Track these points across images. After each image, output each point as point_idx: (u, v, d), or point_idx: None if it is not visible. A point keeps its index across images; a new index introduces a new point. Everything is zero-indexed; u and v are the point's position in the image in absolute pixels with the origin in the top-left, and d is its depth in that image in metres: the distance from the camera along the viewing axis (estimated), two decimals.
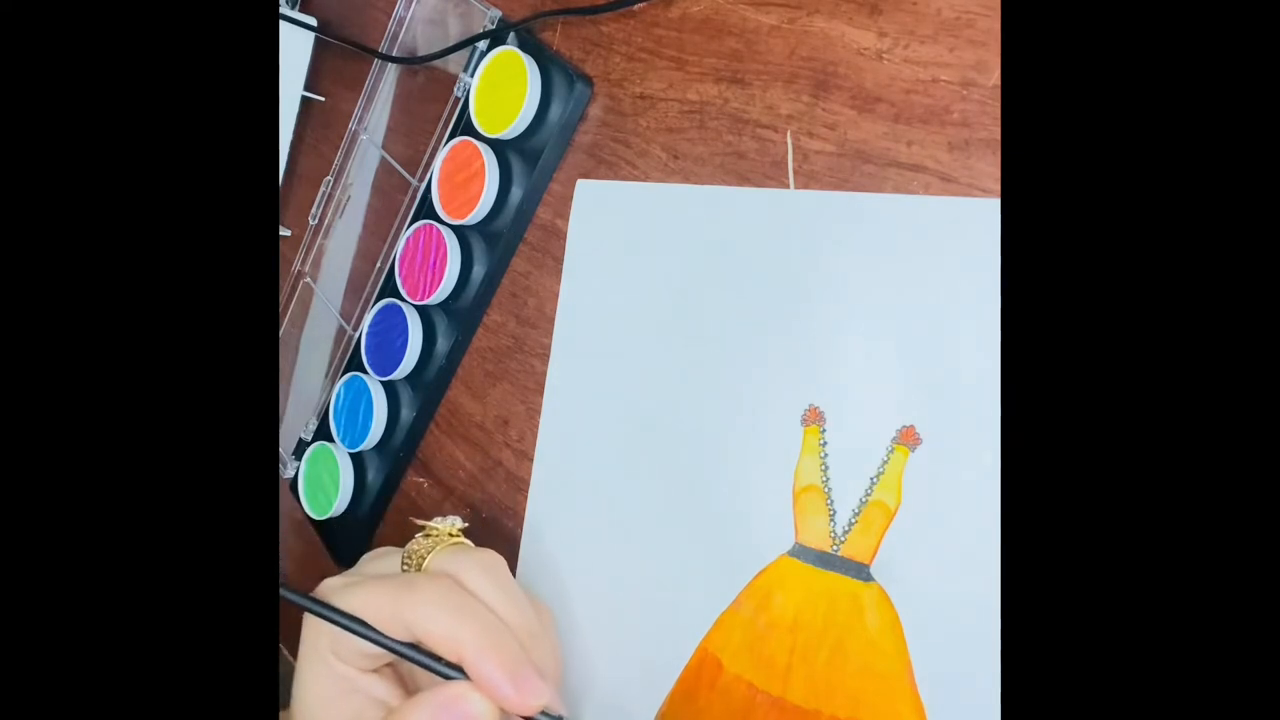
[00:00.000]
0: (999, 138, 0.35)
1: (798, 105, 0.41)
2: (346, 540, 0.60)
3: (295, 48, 0.66)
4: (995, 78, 0.36)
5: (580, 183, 0.49)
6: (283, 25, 0.64)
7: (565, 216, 0.50)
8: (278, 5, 0.66)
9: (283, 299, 0.67)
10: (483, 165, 0.52)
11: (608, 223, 0.48)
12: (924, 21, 0.37)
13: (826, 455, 0.39)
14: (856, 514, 0.38)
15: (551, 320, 0.50)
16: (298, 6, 0.69)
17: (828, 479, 0.39)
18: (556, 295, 0.50)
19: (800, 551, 0.39)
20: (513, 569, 0.50)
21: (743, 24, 0.43)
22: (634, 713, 0.44)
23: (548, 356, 0.50)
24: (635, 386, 0.46)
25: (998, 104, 0.35)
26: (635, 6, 0.48)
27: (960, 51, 0.36)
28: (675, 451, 0.44)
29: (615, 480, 0.46)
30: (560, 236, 0.51)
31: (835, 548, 0.38)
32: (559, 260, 0.50)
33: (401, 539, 0.58)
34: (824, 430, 0.39)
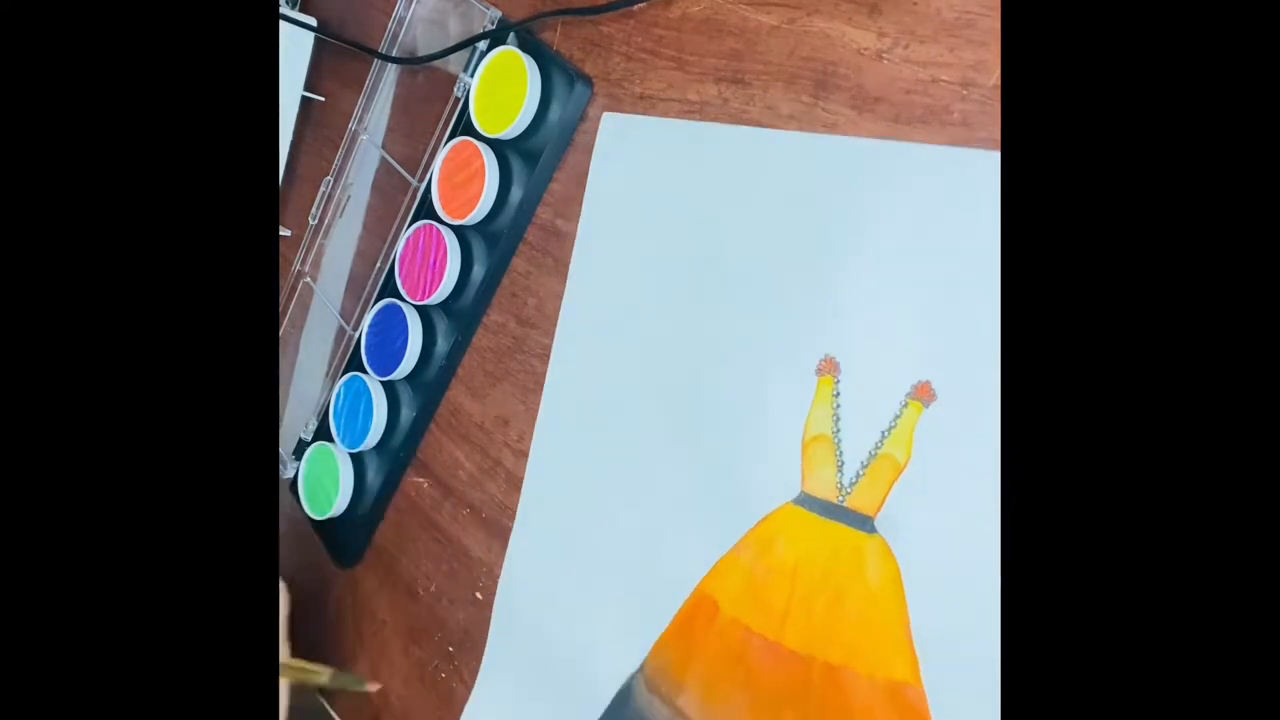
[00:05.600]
0: (999, 138, 0.35)
1: (798, 105, 0.41)
2: (346, 540, 0.60)
3: (295, 48, 0.66)
4: (995, 78, 0.36)
5: (606, 115, 0.48)
6: (283, 25, 0.64)
7: (565, 216, 0.50)
8: (278, 5, 0.66)
9: (283, 299, 0.67)
10: (483, 165, 0.52)
11: (631, 158, 0.47)
12: (924, 21, 0.37)
13: (839, 406, 0.38)
14: (865, 466, 0.37)
15: (552, 320, 0.50)
16: (298, 6, 0.69)
17: (838, 430, 0.38)
18: (556, 295, 0.50)
19: (806, 500, 0.39)
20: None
21: (743, 24, 0.43)
22: (628, 648, 0.44)
23: (548, 356, 0.50)
24: (650, 325, 0.45)
25: (998, 104, 0.35)
26: (635, 6, 0.48)
27: (960, 51, 0.36)
28: (686, 392, 0.43)
29: (625, 415, 0.46)
30: (560, 236, 0.50)
31: (841, 498, 0.38)
32: (559, 260, 0.50)
33: (401, 539, 0.58)
34: (838, 381, 0.38)
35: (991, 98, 0.36)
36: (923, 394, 0.36)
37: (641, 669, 0.44)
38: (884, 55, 0.39)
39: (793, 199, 0.41)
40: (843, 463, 0.38)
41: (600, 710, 0.45)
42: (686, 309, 0.44)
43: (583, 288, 0.49)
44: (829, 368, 0.39)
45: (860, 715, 0.37)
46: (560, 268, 0.50)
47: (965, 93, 0.36)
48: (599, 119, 0.49)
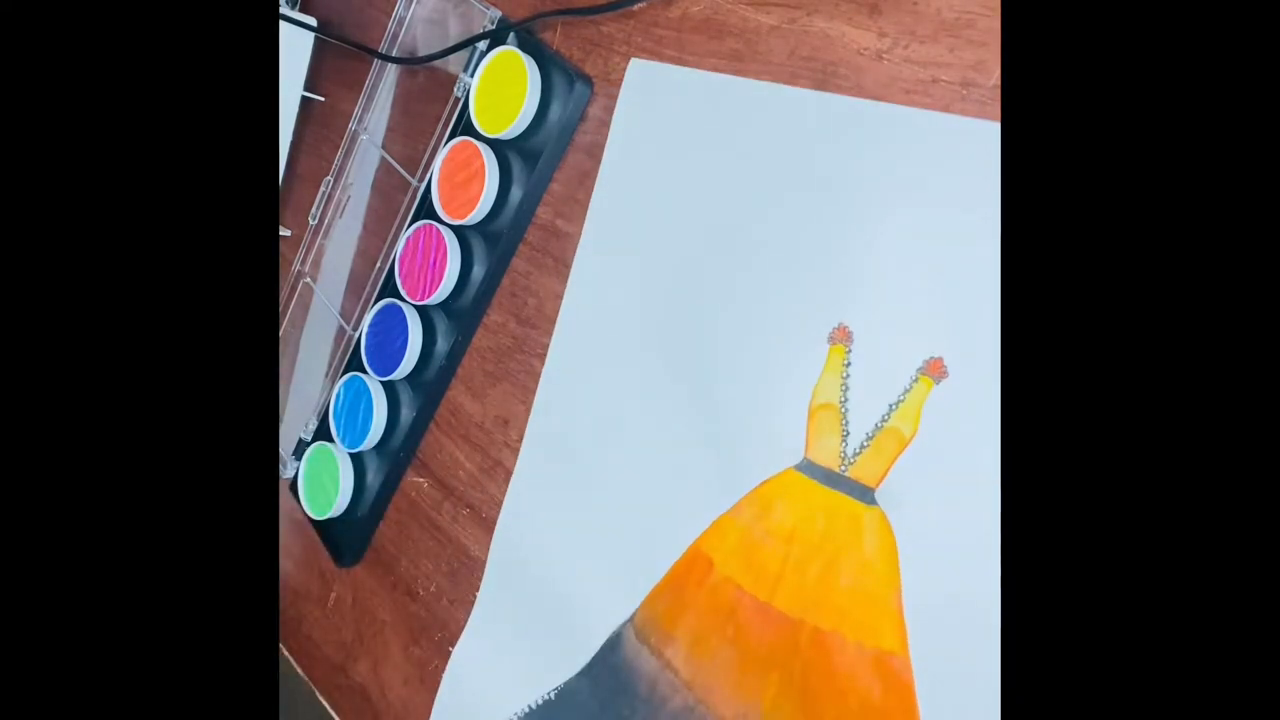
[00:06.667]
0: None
1: None
2: (346, 540, 0.60)
3: (295, 48, 0.66)
4: (995, 78, 0.36)
5: (634, 61, 0.48)
6: (283, 25, 0.64)
7: (565, 216, 0.50)
8: (278, 5, 0.66)
9: (283, 299, 0.67)
10: (483, 165, 0.52)
11: (655, 109, 0.47)
12: (924, 21, 0.37)
13: (849, 375, 0.38)
14: (870, 437, 0.38)
15: (552, 320, 0.50)
16: (298, 6, 0.69)
17: (846, 399, 0.38)
18: (556, 295, 0.50)
19: (808, 467, 0.39)
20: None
21: (743, 24, 0.43)
22: (621, 598, 0.44)
23: (547, 356, 0.50)
24: (663, 278, 0.45)
25: (998, 104, 0.35)
26: (635, 6, 0.47)
27: (960, 51, 0.36)
28: (695, 350, 0.43)
29: (633, 367, 0.46)
30: (560, 236, 0.51)
31: (844, 468, 0.38)
32: (559, 260, 0.50)
33: (401, 539, 0.58)
34: (850, 350, 0.38)
35: (991, 98, 0.36)
36: (934, 370, 0.36)
37: (632, 619, 0.44)
38: (884, 55, 0.39)
39: (820, 160, 0.40)
40: (848, 432, 0.38)
41: (589, 656, 0.46)
42: (701, 263, 0.44)
43: (598, 239, 0.48)
44: (842, 336, 0.39)
45: (844, 680, 0.37)
46: (560, 268, 0.50)
47: (965, 93, 0.36)
48: (599, 119, 0.49)
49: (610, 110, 0.48)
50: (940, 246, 0.36)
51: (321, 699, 0.63)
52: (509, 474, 0.51)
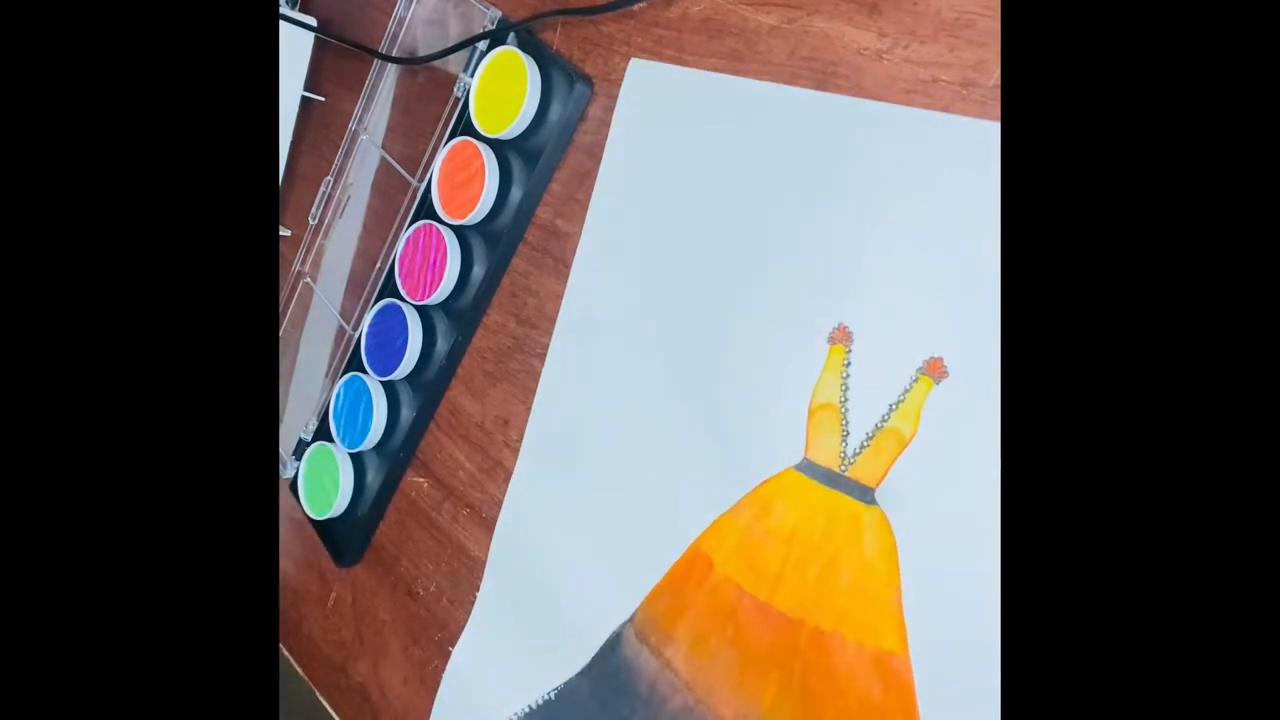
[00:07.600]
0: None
1: None
2: (346, 540, 0.60)
3: (295, 48, 0.65)
4: (995, 78, 0.36)
5: (634, 61, 0.48)
6: (283, 25, 0.64)
7: (565, 216, 0.50)
8: (278, 5, 0.66)
9: (283, 299, 0.67)
10: (483, 165, 0.52)
11: (655, 109, 0.46)
12: (924, 21, 0.37)
13: (849, 375, 0.38)
14: (870, 437, 0.38)
15: (552, 320, 0.50)
16: (298, 6, 0.69)
17: (846, 399, 0.38)
18: (556, 295, 0.50)
19: (808, 467, 0.39)
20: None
21: (743, 24, 0.43)
22: (621, 597, 0.45)
23: (547, 356, 0.50)
24: (663, 278, 0.45)
25: (998, 104, 0.35)
26: (635, 6, 0.47)
27: (960, 51, 0.36)
28: (695, 351, 0.43)
29: (632, 367, 0.46)
30: (560, 236, 0.50)
31: (844, 468, 0.38)
32: (559, 260, 0.50)
33: (401, 539, 0.58)
34: (850, 350, 0.38)
35: (991, 98, 0.36)
36: (934, 370, 0.36)
37: (632, 619, 0.44)
38: (884, 55, 0.39)
39: (821, 161, 0.40)
40: (848, 432, 0.38)
41: (589, 656, 0.46)
42: (701, 263, 0.44)
43: (598, 239, 0.48)
44: (842, 336, 0.39)
45: (844, 679, 0.37)
46: (560, 268, 0.50)
47: (965, 93, 0.36)
48: (599, 119, 0.49)
49: (610, 110, 0.48)
50: (940, 246, 0.36)
51: (321, 699, 0.63)
52: (509, 474, 0.51)
